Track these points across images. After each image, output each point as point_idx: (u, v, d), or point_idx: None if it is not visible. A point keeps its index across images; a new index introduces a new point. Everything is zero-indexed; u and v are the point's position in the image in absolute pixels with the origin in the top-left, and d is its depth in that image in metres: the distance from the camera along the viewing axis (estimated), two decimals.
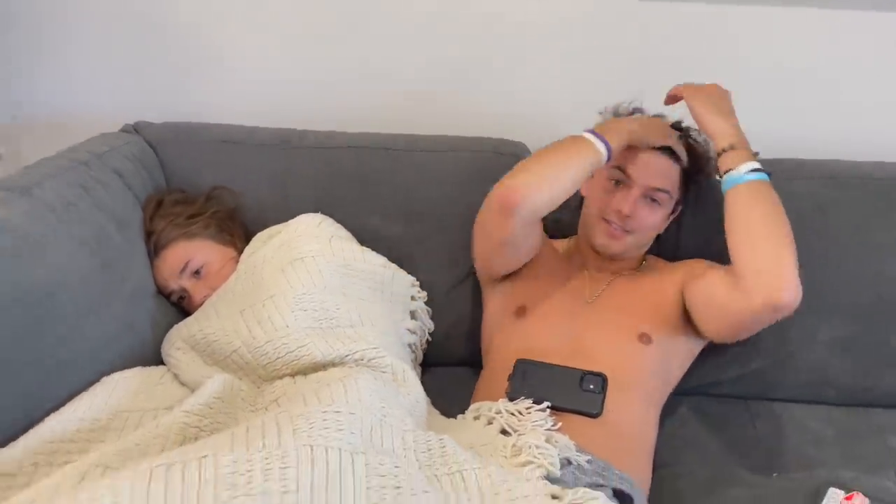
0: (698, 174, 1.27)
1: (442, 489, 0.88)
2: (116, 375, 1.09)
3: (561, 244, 1.38)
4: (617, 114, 1.28)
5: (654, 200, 1.22)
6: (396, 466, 0.87)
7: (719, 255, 1.16)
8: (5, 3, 1.60)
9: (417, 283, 1.36)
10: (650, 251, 1.32)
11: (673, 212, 1.27)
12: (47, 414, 0.98)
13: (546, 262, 1.29)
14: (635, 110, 1.28)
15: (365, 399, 0.96)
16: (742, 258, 1.07)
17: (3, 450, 0.92)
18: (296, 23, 1.56)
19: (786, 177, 1.26)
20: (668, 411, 1.23)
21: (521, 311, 1.24)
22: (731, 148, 1.12)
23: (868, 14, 1.42)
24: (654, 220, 1.23)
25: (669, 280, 1.25)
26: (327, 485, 0.82)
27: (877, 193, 1.28)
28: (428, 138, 1.45)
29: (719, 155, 1.14)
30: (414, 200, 1.40)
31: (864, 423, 1.25)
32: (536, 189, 1.12)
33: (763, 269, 1.04)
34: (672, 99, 1.22)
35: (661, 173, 1.21)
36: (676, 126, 1.27)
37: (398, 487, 0.83)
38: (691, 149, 1.25)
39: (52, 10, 1.59)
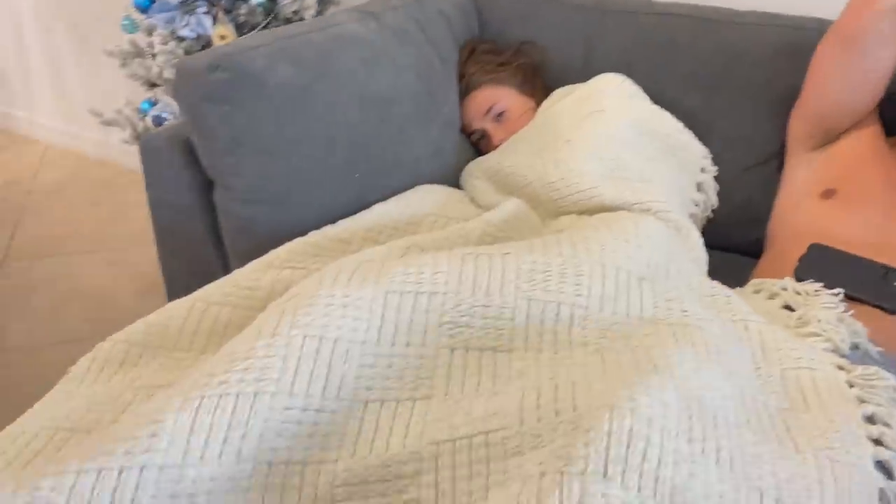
0: None
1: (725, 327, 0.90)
2: (428, 186, 1.23)
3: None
4: None
5: None
6: (682, 295, 0.90)
7: None
8: None
9: (710, 155, 1.34)
10: None
11: None
12: (374, 203, 1.15)
13: (871, 144, 1.19)
14: None
15: (654, 238, 0.99)
16: None
17: (341, 222, 1.09)
18: None
19: None
20: None
21: (828, 194, 1.17)
22: None
23: None
24: None
25: None
26: (616, 296, 0.87)
27: None
28: (744, 12, 1.39)
29: None
30: (719, 73, 1.35)
31: None
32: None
33: None
34: None
35: None
36: None
37: (685, 311, 0.86)
38: None
39: None
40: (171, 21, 1.61)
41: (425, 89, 1.27)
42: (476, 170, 1.31)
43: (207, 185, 1.12)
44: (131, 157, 2.23)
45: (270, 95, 1.04)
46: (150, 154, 1.14)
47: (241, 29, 1.66)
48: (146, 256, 1.91)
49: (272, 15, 1.68)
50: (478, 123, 1.41)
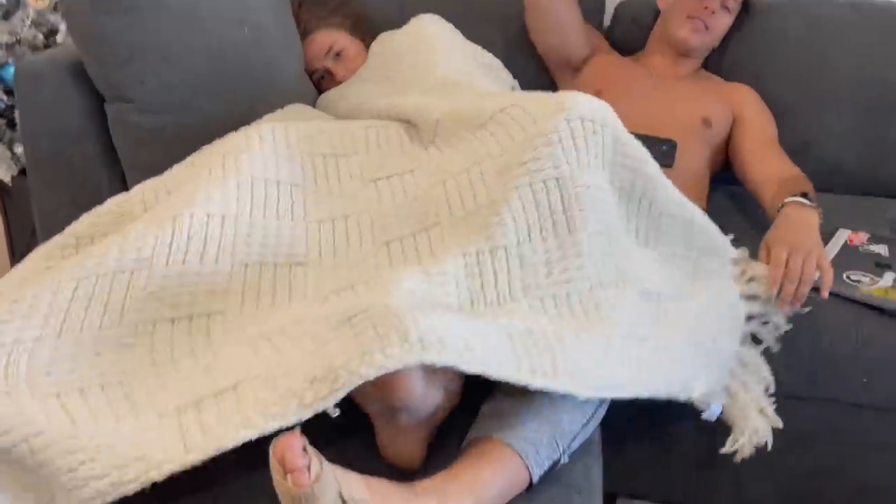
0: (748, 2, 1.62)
1: None
2: (300, 105, 1.37)
3: (625, 58, 1.68)
4: None
5: (727, 8, 1.54)
6: None
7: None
8: None
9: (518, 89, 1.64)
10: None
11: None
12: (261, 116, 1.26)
13: (612, 63, 1.60)
14: None
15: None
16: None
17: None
18: None
19: (816, 3, 1.63)
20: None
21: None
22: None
23: None
24: (725, 22, 1.56)
25: (726, 93, 1.57)
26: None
27: (890, 21, 1.62)
28: None
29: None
30: (509, 19, 1.68)
31: (867, 202, 1.60)
32: None
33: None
34: None
35: None
36: None
37: None
38: None
39: None
40: None
41: (283, 23, 1.42)
42: (334, 96, 1.48)
43: (96, 105, 1.16)
44: None
45: (168, 6, 1.12)
46: (28, 81, 1.14)
47: None
48: None
49: None
50: (319, 63, 1.57)
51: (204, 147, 1.08)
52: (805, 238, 1.16)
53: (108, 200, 0.99)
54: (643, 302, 0.90)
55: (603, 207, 0.92)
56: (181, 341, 0.84)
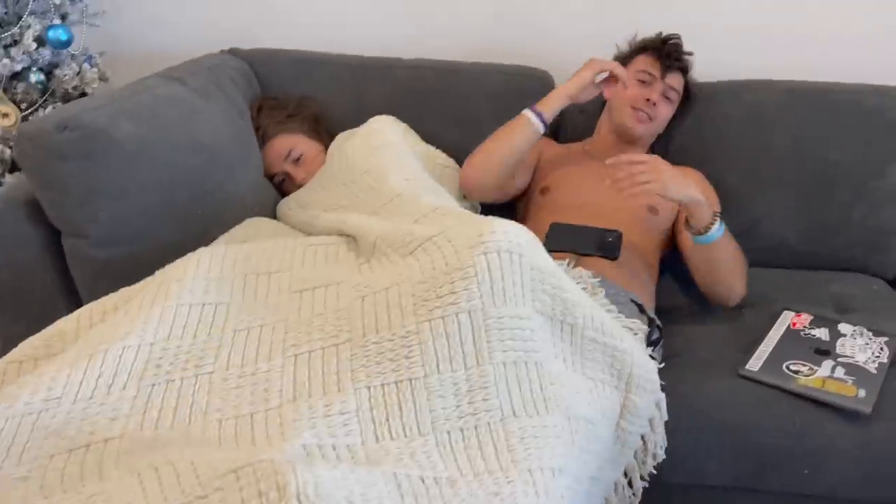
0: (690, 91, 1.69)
1: None
2: (257, 219, 1.43)
3: (574, 146, 1.75)
4: (622, 50, 1.69)
5: (668, 98, 1.61)
6: None
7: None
8: None
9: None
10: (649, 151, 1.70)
11: (673, 116, 1.66)
12: (216, 237, 1.31)
13: (558, 157, 1.66)
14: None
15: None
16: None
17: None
18: None
19: (755, 89, 1.68)
20: (662, 270, 1.61)
21: (545, 191, 1.60)
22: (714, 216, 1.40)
23: None
24: (668, 111, 1.63)
25: None
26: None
27: (825, 103, 1.68)
28: (470, 63, 1.81)
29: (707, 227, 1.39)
30: (463, 111, 1.75)
31: (812, 276, 1.65)
32: (483, 173, 1.55)
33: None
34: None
35: (677, 80, 1.63)
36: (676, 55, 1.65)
37: None
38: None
39: None
40: None
41: (236, 137, 1.48)
42: (292, 203, 1.53)
43: (53, 239, 1.21)
44: None
45: (118, 148, 1.18)
46: None
47: (19, 106, 1.69)
48: None
49: (49, 91, 1.74)
50: (279, 167, 1.63)
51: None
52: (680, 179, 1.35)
53: (54, 324, 1.04)
54: (568, 430, 0.93)
55: (520, 335, 0.95)
56: (72, 472, 0.86)
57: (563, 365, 1.00)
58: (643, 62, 1.63)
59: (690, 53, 1.65)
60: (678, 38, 1.64)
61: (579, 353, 1.03)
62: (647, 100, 1.59)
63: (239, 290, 1.08)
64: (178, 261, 1.11)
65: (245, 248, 1.16)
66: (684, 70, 1.65)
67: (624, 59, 1.68)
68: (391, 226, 1.16)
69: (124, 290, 1.09)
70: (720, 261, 1.43)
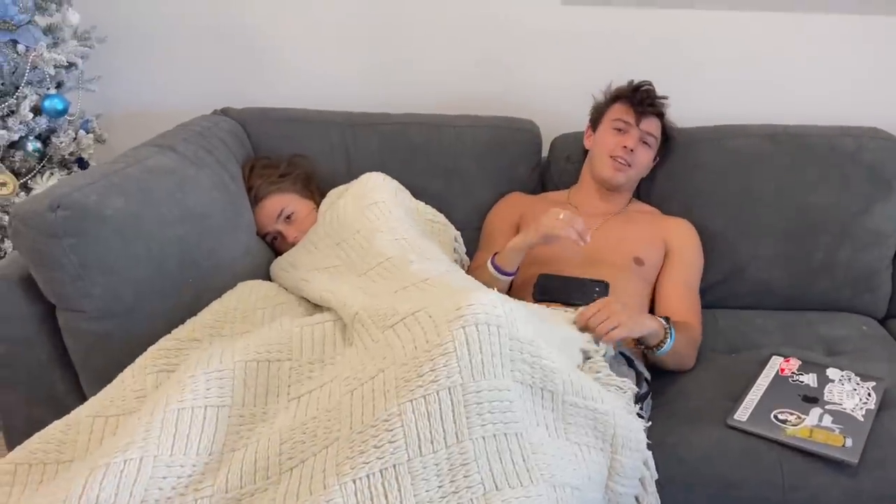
0: (669, 134, 1.72)
1: None
2: (249, 282, 1.45)
3: (559, 194, 1.77)
4: (598, 100, 1.73)
5: (646, 143, 1.64)
6: None
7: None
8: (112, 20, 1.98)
9: (461, 238, 1.73)
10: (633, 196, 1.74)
11: (654, 160, 1.69)
12: (208, 303, 1.34)
13: (542, 212, 1.66)
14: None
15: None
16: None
17: (187, 322, 1.27)
18: (348, 25, 1.97)
19: (734, 135, 1.72)
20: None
21: (531, 244, 1.62)
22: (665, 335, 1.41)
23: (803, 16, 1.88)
24: (647, 156, 1.65)
25: (660, 227, 1.65)
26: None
27: (802, 147, 1.71)
28: (456, 116, 1.85)
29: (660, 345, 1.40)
30: (450, 164, 1.78)
31: (800, 318, 1.67)
32: None
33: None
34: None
35: (653, 125, 1.66)
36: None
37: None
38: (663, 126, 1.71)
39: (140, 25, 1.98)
40: None
41: (227, 202, 1.51)
42: (285, 264, 1.56)
43: (48, 312, 1.24)
44: None
45: (109, 224, 1.21)
46: None
47: (17, 174, 1.73)
48: None
49: (46, 158, 1.78)
50: (271, 227, 1.67)
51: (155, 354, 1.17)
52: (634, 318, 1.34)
53: (54, 423, 1.06)
54: (554, 498, 0.93)
55: (499, 407, 0.96)
56: None
57: (546, 432, 1.01)
58: (618, 111, 1.66)
59: (665, 97, 1.68)
60: (650, 84, 1.67)
61: (562, 419, 1.04)
62: (625, 146, 1.62)
63: (240, 390, 1.09)
64: (185, 362, 1.13)
65: (243, 341, 1.18)
66: (659, 114, 1.68)
67: (600, 108, 1.72)
68: (374, 297, 1.19)
69: (124, 393, 1.11)
70: (672, 358, 1.44)
